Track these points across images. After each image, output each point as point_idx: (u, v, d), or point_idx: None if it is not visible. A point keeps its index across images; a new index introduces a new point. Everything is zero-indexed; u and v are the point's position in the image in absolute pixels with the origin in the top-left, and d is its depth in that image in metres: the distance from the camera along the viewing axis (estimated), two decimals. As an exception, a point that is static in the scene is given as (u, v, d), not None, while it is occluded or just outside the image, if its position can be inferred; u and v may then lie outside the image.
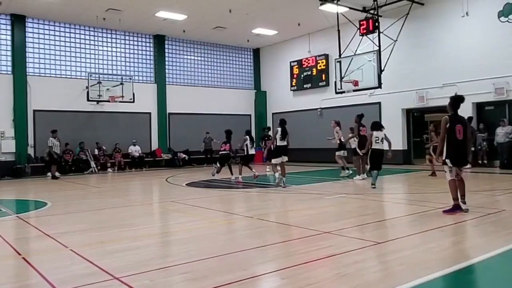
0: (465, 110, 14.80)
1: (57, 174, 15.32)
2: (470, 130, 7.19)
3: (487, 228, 5.56)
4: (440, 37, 15.74)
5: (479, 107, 15.17)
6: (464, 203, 6.43)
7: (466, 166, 6.77)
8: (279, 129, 10.71)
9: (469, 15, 14.87)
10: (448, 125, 6.36)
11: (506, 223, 5.77)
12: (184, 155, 20.00)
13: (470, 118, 14.62)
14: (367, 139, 10.64)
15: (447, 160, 6.41)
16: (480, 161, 14.95)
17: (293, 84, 21.44)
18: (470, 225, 5.80)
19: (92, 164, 17.50)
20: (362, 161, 11.85)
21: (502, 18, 14.08)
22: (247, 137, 12.94)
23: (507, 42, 13.92)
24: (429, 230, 5.42)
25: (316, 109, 20.16)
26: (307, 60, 20.70)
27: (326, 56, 19.69)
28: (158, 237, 5.73)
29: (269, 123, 22.93)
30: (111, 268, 4.03)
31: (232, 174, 12.73)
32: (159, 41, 20.27)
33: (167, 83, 20.45)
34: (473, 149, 14.46)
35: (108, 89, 17.81)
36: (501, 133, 13.91)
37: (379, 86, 14.45)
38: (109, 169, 17.89)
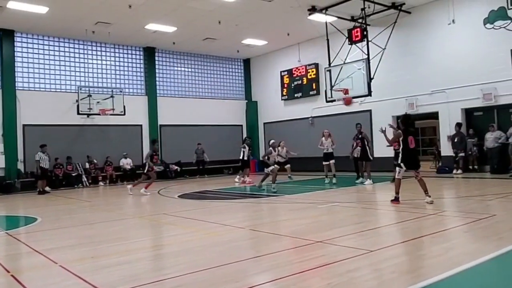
0: (454, 116, 15.11)
1: (47, 188, 15.16)
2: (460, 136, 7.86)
3: (478, 234, 5.58)
4: (427, 45, 15.94)
5: (468, 113, 15.32)
6: (429, 196, 7.97)
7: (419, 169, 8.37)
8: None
9: (455, 22, 15.08)
10: (402, 137, 8.19)
11: (497, 228, 5.80)
12: (176, 167, 19.90)
13: (459, 124, 14.79)
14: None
15: (402, 164, 8.19)
16: (470, 166, 15.07)
17: (284, 93, 21.53)
18: (461, 231, 5.83)
19: (83, 178, 17.35)
20: (368, 166, 12.95)
21: (488, 25, 14.30)
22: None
23: (493, 48, 14.12)
24: (420, 236, 5.44)
25: (308, 118, 20.24)
26: (297, 70, 20.83)
27: (316, 65, 19.82)
28: (150, 251, 5.68)
29: (261, 133, 22.99)
30: (102, 283, 3.98)
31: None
32: (149, 53, 20.29)
33: (158, 95, 20.43)
34: (463, 154, 14.63)
35: (98, 102, 17.73)
36: (490, 138, 14.04)
37: (369, 94, 14.56)
38: (101, 183, 17.74)
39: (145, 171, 13.21)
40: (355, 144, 13.12)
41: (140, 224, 8.12)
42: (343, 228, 6.29)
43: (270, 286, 3.84)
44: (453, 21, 15.12)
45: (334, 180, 13.22)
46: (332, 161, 13.26)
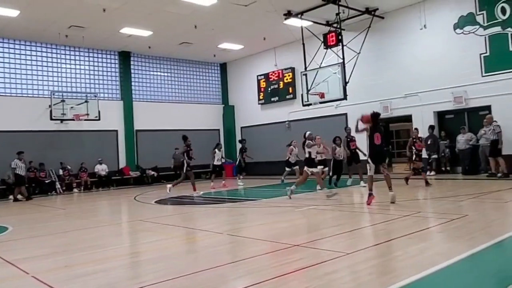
0: (427, 119, 15.45)
1: (19, 196, 14.74)
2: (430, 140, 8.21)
3: (451, 234, 5.71)
4: (400, 49, 16.28)
5: (440, 115, 15.70)
6: (392, 191, 8.40)
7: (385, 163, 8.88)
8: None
9: (427, 27, 15.45)
10: (369, 133, 8.63)
11: (469, 228, 5.94)
12: (153, 172, 19.69)
13: (432, 127, 15.13)
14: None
15: (369, 159, 8.67)
16: (443, 168, 15.44)
17: (261, 97, 21.59)
18: (435, 231, 5.96)
19: (57, 185, 16.95)
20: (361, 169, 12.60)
21: (458, 30, 14.70)
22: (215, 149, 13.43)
23: (463, 53, 14.52)
24: (396, 238, 5.53)
25: (284, 122, 20.35)
26: (273, 74, 20.93)
27: (292, 69, 19.98)
28: (126, 258, 5.58)
29: (238, 137, 22.97)
30: (77, 293, 3.89)
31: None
32: (125, 57, 20.04)
33: (133, 99, 20.18)
34: (436, 156, 14.97)
35: (72, 107, 17.39)
36: (461, 140, 14.41)
37: (345, 97, 14.76)
38: (75, 189, 17.37)
39: (184, 170, 13.00)
40: (341, 148, 12.75)
41: (116, 231, 7.99)
42: (320, 231, 6.34)
43: (249, 291, 3.83)
44: (424, 26, 15.50)
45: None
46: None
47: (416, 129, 12.96)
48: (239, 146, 22.56)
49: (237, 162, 15.55)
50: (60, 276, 4.57)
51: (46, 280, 4.37)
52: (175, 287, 3.97)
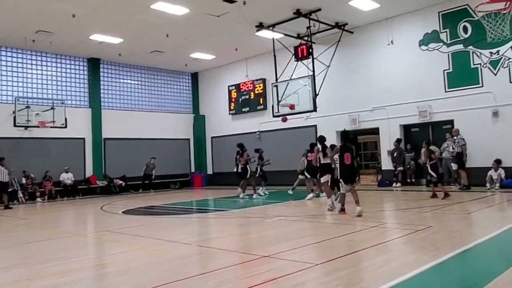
0: (393, 132, 15.87)
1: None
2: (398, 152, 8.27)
3: (416, 245, 5.86)
4: (368, 63, 16.70)
5: (406, 129, 16.16)
6: (359, 206, 8.43)
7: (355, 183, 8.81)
8: (320, 146, 10.17)
9: (394, 43, 15.96)
10: (339, 154, 8.79)
11: (433, 239, 6.11)
12: (120, 182, 19.30)
13: (398, 140, 15.54)
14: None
15: (341, 180, 8.81)
16: (408, 180, 15.84)
17: (232, 108, 21.63)
18: (400, 242, 6.09)
19: (19, 194, 16.33)
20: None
21: (423, 47, 15.25)
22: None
23: (428, 68, 15.05)
24: (364, 249, 5.62)
25: (255, 132, 20.42)
26: (245, 84, 21.03)
27: (263, 80, 20.13)
28: (91, 271, 5.42)
29: (208, 147, 22.89)
30: (38, 307, 3.75)
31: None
32: (94, 64, 19.68)
33: (102, 107, 19.80)
34: (401, 168, 15.35)
35: (37, 114, 16.88)
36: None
37: (314, 109, 14.98)
38: (38, 199, 16.79)
39: (248, 176, 13.62)
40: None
41: (81, 243, 7.75)
42: (289, 242, 6.36)
43: (217, 303, 3.80)
44: (391, 41, 15.99)
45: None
46: None
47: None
48: (209, 156, 22.59)
49: (257, 172, 14.50)
50: (20, 290, 4.39)
51: (6, 294, 4.19)
52: (141, 300, 3.88)
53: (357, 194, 8.70)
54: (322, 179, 10.13)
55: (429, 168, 11.14)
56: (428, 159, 11.19)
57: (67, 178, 17.92)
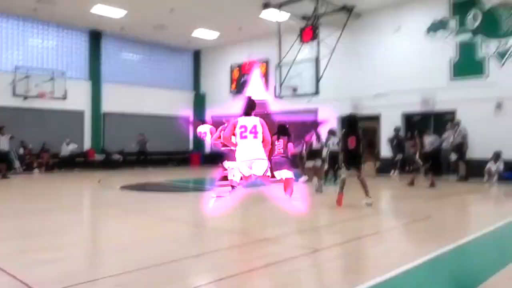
0: (395, 120, 15.75)
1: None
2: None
3: (416, 235, 5.83)
4: (374, 49, 16.41)
5: (408, 117, 16.01)
6: (369, 197, 7.85)
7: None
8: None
9: (401, 29, 15.68)
10: (343, 136, 8.36)
11: (432, 229, 6.08)
12: (119, 156, 19.24)
13: (397, 128, 15.40)
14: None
15: (343, 164, 8.34)
16: (407, 168, 15.75)
17: (233, 87, 21.42)
18: (400, 231, 6.06)
19: (17, 163, 16.27)
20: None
21: (431, 34, 14.99)
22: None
23: (434, 57, 14.82)
24: (363, 236, 5.59)
25: (256, 113, 20.22)
26: (247, 64, 20.77)
27: (267, 61, 19.88)
28: (87, 246, 5.39)
29: (208, 126, 22.73)
30: (33, 282, 3.71)
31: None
32: (95, 36, 19.37)
33: (102, 81, 19.58)
34: (401, 156, 15.27)
35: (37, 84, 16.71)
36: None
37: (317, 92, 14.83)
38: (35, 170, 16.74)
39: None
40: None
41: (77, 217, 7.71)
42: (290, 225, 6.32)
43: (213, 287, 3.76)
44: (399, 27, 15.71)
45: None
46: None
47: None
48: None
49: None
50: (15, 263, 4.35)
51: (2, 266, 4.14)
52: (136, 280, 3.84)
53: (365, 183, 7.99)
54: (307, 164, 10.22)
55: (417, 156, 11.38)
56: (419, 149, 11.44)
57: (69, 150, 17.72)
